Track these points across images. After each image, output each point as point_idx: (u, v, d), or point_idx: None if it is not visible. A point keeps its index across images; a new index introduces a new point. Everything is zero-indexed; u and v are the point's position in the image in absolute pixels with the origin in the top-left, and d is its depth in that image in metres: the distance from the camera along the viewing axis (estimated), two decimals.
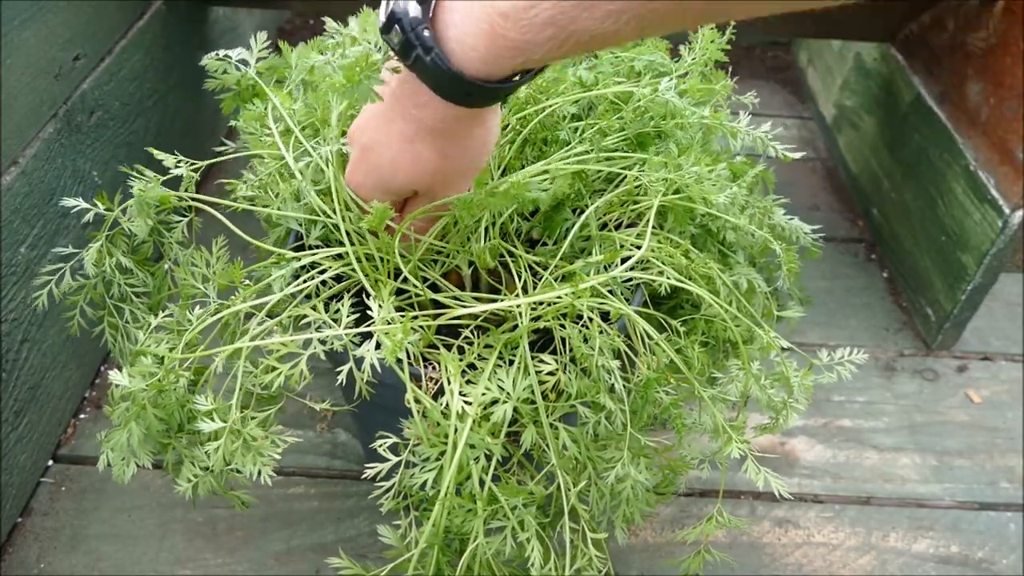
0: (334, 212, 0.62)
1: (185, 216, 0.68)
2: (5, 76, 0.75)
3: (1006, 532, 0.88)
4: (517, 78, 0.49)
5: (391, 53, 0.50)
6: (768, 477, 0.59)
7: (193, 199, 0.65)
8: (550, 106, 0.66)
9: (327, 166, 0.61)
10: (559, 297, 0.57)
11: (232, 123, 0.71)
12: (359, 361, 0.55)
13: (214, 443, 0.55)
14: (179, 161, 0.66)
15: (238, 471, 0.56)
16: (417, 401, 0.55)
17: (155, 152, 0.66)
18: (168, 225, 0.69)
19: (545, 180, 0.61)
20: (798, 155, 0.72)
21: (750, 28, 1.23)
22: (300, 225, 0.65)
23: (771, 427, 0.66)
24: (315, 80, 0.68)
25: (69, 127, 0.87)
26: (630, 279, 0.61)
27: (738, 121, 0.70)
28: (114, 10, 0.95)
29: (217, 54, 0.70)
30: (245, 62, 0.70)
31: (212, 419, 0.55)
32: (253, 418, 0.57)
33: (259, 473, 0.56)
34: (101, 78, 0.93)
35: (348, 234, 0.60)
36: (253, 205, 0.67)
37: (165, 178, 0.64)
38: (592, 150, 0.65)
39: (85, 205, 0.65)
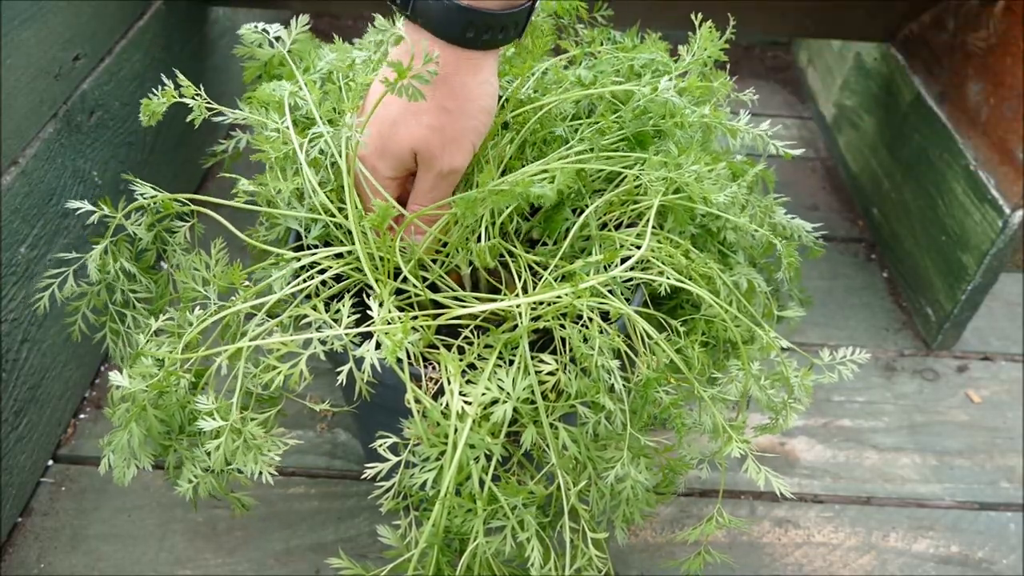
0: (339, 210, 0.62)
1: (187, 221, 0.68)
2: (5, 76, 0.75)
3: (1006, 532, 0.88)
4: (514, 9, 0.52)
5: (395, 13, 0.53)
6: (769, 476, 0.59)
7: (195, 202, 0.65)
8: (549, 104, 0.66)
9: (340, 156, 0.61)
10: (559, 297, 0.57)
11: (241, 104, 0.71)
12: (359, 361, 0.55)
13: (214, 442, 0.54)
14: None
15: (239, 471, 0.56)
16: (417, 401, 0.55)
17: (135, 180, 0.66)
18: (171, 230, 0.69)
19: (545, 179, 0.61)
20: (799, 151, 0.72)
21: (750, 28, 1.23)
22: (300, 224, 0.65)
23: (771, 427, 0.66)
24: (336, 75, 0.68)
25: (69, 127, 0.87)
26: (630, 279, 0.61)
27: (738, 120, 0.70)
28: (114, 10, 0.95)
29: (256, 26, 0.72)
30: (280, 39, 0.71)
31: (213, 417, 0.55)
32: (253, 419, 0.57)
33: (260, 473, 0.56)
34: (101, 78, 0.93)
35: (351, 232, 0.60)
36: (254, 204, 0.66)
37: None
38: (592, 149, 0.65)
39: (89, 207, 0.65)
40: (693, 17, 0.70)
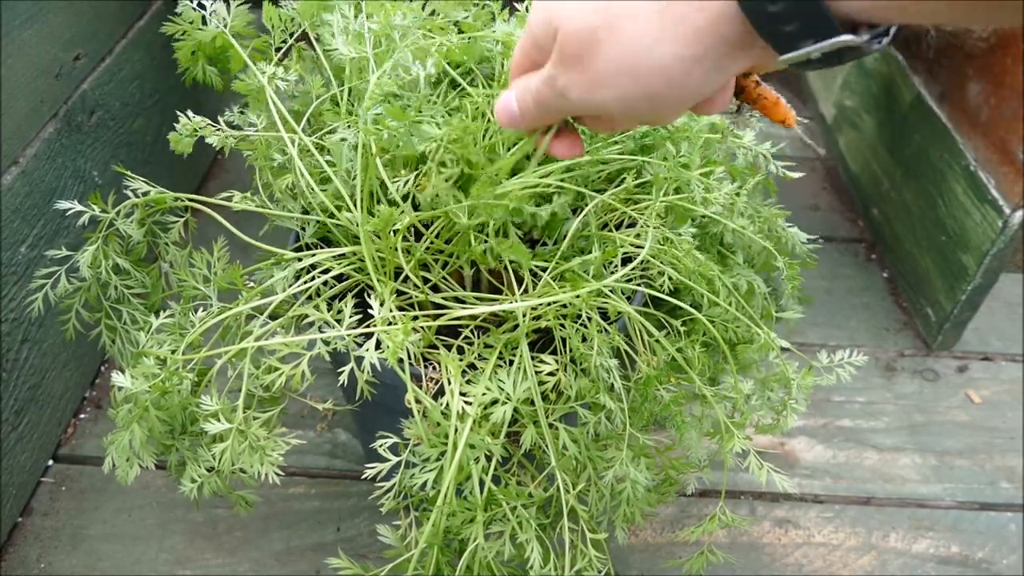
0: (339, 208, 0.62)
1: (181, 216, 0.68)
2: (5, 76, 0.75)
3: (1006, 532, 0.88)
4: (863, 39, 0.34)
5: None
6: (771, 472, 0.59)
7: (190, 199, 0.65)
8: None
9: (354, 153, 0.59)
10: (559, 299, 0.57)
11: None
12: (360, 361, 0.55)
13: (221, 444, 0.54)
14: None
15: (243, 471, 0.56)
16: (417, 401, 0.55)
17: (128, 174, 0.65)
18: (163, 225, 0.68)
19: (543, 184, 0.61)
20: (798, 175, 0.72)
21: None
22: (297, 224, 0.65)
23: (772, 427, 0.66)
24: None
25: (69, 127, 0.87)
26: (630, 279, 0.61)
27: (742, 137, 0.71)
28: (114, 10, 0.95)
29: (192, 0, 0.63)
30: (216, 14, 0.62)
31: (218, 420, 0.55)
32: (256, 419, 0.57)
33: (266, 473, 0.55)
34: (101, 78, 0.93)
35: (348, 232, 0.60)
36: (251, 205, 0.66)
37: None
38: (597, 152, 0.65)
39: (80, 208, 0.65)
40: None
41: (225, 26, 0.63)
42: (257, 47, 0.67)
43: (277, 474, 0.56)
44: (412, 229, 0.64)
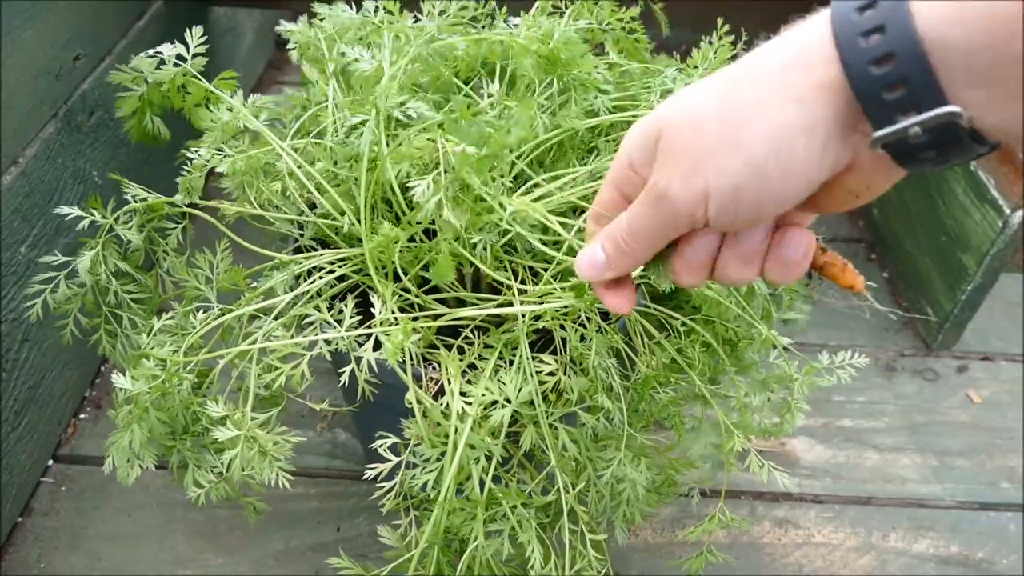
0: (342, 213, 0.62)
1: (179, 223, 0.68)
2: (5, 76, 0.75)
3: (1006, 532, 0.88)
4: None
5: None
6: (772, 470, 0.59)
7: (189, 206, 0.65)
8: (564, 132, 0.65)
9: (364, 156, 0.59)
10: (559, 299, 0.57)
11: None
12: (361, 361, 0.55)
13: (231, 452, 0.54)
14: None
15: (251, 478, 0.56)
16: (418, 401, 0.55)
17: (124, 181, 0.65)
18: (162, 231, 0.68)
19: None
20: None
21: (751, 28, 1.22)
22: (296, 227, 0.65)
23: (775, 431, 0.66)
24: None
25: (69, 127, 0.87)
26: None
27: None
28: (114, 10, 0.95)
29: (146, 54, 0.62)
30: (182, 58, 0.61)
31: (227, 426, 0.55)
32: (254, 419, 0.57)
33: (276, 477, 0.55)
34: (101, 78, 0.93)
35: (348, 233, 0.60)
36: (247, 208, 0.66)
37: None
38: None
39: (80, 213, 0.65)
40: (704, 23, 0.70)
41: (184, 61, 0.62)
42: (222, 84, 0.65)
43: (288, 479, 0.56)
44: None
